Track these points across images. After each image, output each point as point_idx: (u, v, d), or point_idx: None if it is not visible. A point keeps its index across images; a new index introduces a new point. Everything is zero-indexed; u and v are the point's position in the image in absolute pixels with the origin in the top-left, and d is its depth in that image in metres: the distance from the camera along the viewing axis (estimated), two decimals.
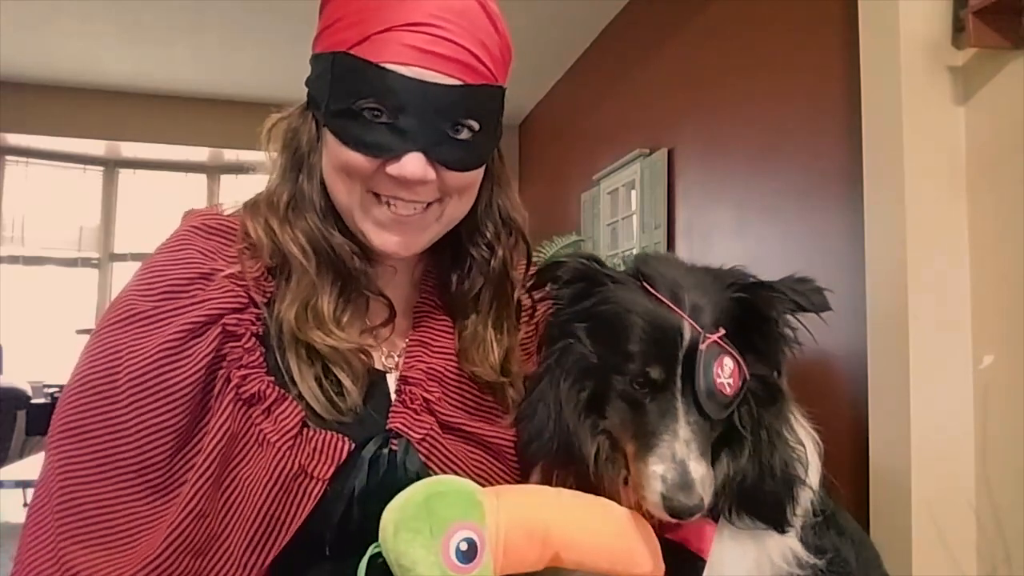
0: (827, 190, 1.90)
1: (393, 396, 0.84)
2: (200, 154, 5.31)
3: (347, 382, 0.79)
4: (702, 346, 0.71)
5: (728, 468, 0.75)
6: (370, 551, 0.67)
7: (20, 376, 4.50)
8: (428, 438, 0.81)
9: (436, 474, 0.79)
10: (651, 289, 0.76)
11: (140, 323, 0.77)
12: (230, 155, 5.28)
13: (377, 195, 0.80)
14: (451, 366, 0.87)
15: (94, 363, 0.76)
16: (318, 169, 0.83)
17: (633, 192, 3.16)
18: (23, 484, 2.95)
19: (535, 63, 3.99)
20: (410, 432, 0.80)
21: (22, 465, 3.21)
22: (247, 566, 0.73)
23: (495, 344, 0.88)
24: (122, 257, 5.36)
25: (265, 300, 0.81)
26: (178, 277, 0.79)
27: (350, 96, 0.76)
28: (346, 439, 0.77)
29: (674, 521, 0.70)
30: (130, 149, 5.25)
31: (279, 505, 0.74)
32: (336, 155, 0.79)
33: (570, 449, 0.76)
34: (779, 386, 0.77)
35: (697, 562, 0.73)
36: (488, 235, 0.89)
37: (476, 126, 0.80)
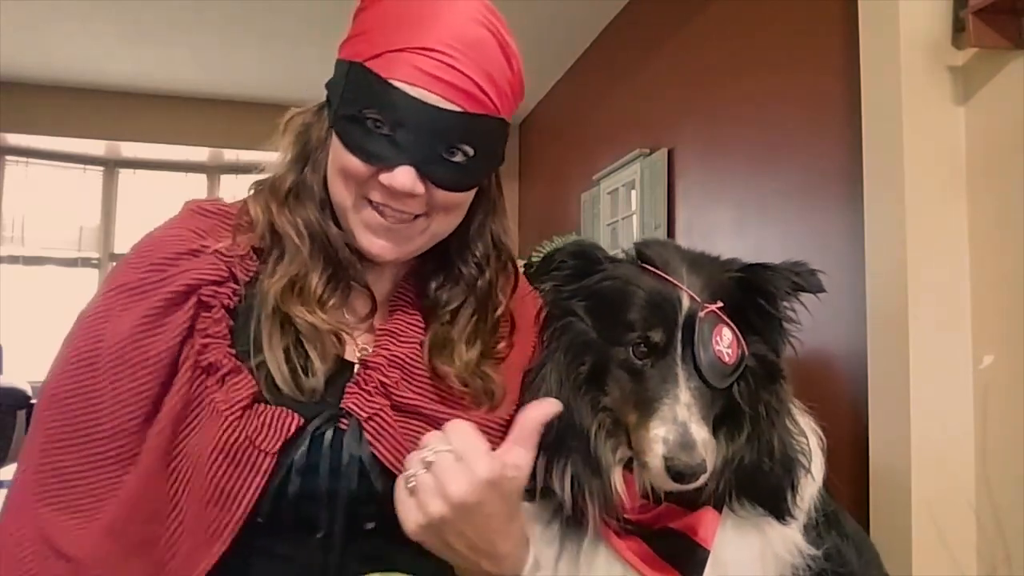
0: (827, 190, 1.90)
1: None
2: (200, 154, 5.31)
3: (316, 361, 0.81)
4: (701, 314, 0.73)
5: (727, 449, 0.75)
6: None
7: (20, 376, 4.49)
8: (376, 417, 0.82)
9: (381, 456, 0.80)
10: (650, 267, 0.77)
11: (125, 294, 0.82)
12: (230, 155, 5.28)
13: (370, 200, 0.84)
14: (416, 354, 0.88)
15: (81, 334, 0.81)
16: (323, 165, 0.88)
17: (633, 192, 3.16)
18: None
19: (535, 63, 3.98)
20: (358, 410, 0.82)
21: None
22: (206, 534, 0.75)
23: (465, 353, 0.90)
24: (122, 257, 5.35)
25: (247, 279, 0.85)
26: (166, 252, 0.84)
27: (357, 104, 0.81)
28: (295, 415, 0.79)
29: (677, 487, 0.70)
30: (130, 149, 5.25)
31: (227, 477, 0.76)
32: (338, 156, 0.84)
33: (571, 426, 0.76)
34: (778, 366, 0.77)
35: (699, 552, 0.73)
36: (478, 255, 0.93)
37: (471, 151, 0.83)
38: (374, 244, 0.85)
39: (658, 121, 2.98)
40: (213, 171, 5.55)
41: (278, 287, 0.82)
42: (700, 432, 0.69)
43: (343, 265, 0.87)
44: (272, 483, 0.77)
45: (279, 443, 0.77)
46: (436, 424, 0.83)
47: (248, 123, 4.93)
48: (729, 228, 2.42)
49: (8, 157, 5.11)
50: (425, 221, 0.86)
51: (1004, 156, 1.40)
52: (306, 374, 0.81)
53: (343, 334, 0.85)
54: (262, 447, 0.76)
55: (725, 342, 0.73)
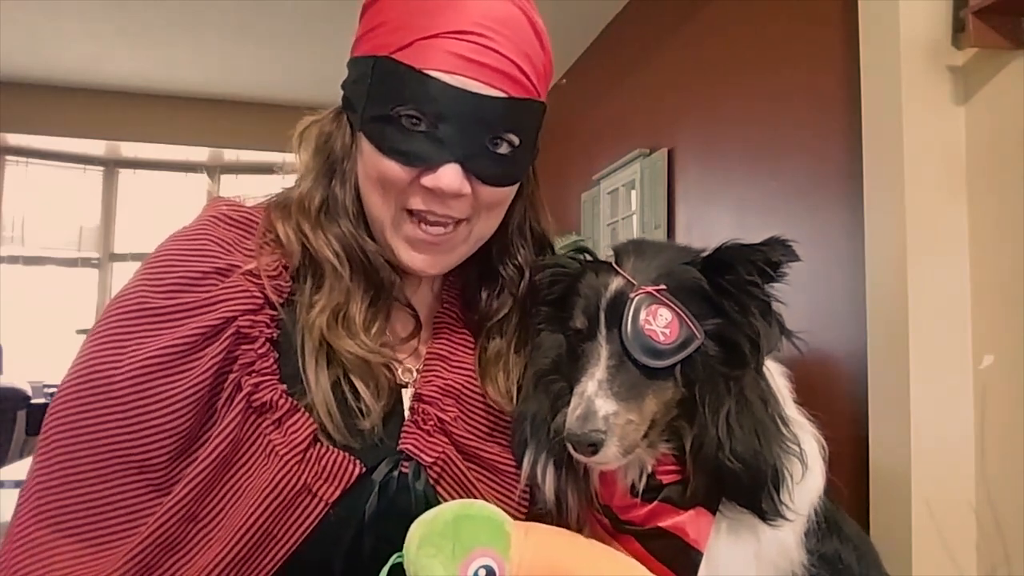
0: (827, 190, 1.90)
1: (407, 413, 0.82)
2: (200, 154, 5.32)
3: (369, 398, 0.76)
4: (632, 294, 0.73)
5: (689, 438, 0.74)
6: (392, 560, 0.67)
7: (20, 376, 4.48)
8: (439, 462, 0.79)
9: (445, 499, 0.78)
10: (613, 263, 0.78)
11: (147, 318, 0.73)
12: (230, 155, 5.28)
13: (410, 212, 0.79)
14: (469, 382, 0.84)
15: (97, 355, 0.72)
16: (352, 175, 0.81)
17: (633, 192, 3.16)
18: (23, 484, 2.95)
19: None
20: (421, 455, 0.78)
21: (22, 465, 3.21)
22: (239, 573, 0.70)
23: (515, 368, 0.86)
24: (122, 257, 5.36)
25: (282, 300, 0.78)
26: (192, 270, 0.76)
27: (389, 102, 0.75)
28: (356, 461, 0.74)
29: (583, 459, 0.71)
30: (130, 149, 5.26)
31: (274, 520, 0.71)
32: (371, 163, 0.78)
33: (536, 418, 0.78)
34: (743, 351, 0.74)
35: (693, 554, 0.72)
36: (519, 257, 0.88)
37: (516, 141, 0.79)
38: (416, 260, 0.80)
39: (658, 121, 2.98)
40: (213, 171, 5.55)
41: (322, 321, 0.76)
42: (605, 405, 0.69)
43: (384, 286, 0.81)
44: (341, 536, 0.73)
45: (337, 491, 0.73)
46: (493, 468, 0.82)
47: (248, 123, 4.95)
48: (729, 228, 2.42)
49: (8, 157, 5.11)
50: (467, 226, 0.81)
51: (1004, 156, 1.40)
52: (361, 414, 0.76)
53: (394, 361, 0.80)
54: (320, 495, 0.72)
55: (660, 322, 0.72)
